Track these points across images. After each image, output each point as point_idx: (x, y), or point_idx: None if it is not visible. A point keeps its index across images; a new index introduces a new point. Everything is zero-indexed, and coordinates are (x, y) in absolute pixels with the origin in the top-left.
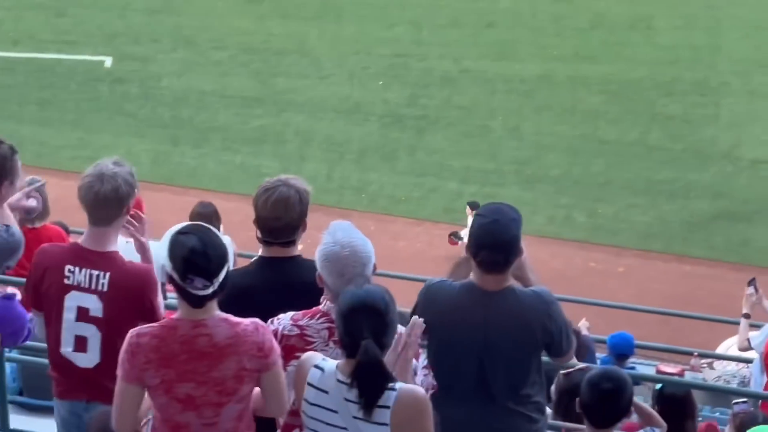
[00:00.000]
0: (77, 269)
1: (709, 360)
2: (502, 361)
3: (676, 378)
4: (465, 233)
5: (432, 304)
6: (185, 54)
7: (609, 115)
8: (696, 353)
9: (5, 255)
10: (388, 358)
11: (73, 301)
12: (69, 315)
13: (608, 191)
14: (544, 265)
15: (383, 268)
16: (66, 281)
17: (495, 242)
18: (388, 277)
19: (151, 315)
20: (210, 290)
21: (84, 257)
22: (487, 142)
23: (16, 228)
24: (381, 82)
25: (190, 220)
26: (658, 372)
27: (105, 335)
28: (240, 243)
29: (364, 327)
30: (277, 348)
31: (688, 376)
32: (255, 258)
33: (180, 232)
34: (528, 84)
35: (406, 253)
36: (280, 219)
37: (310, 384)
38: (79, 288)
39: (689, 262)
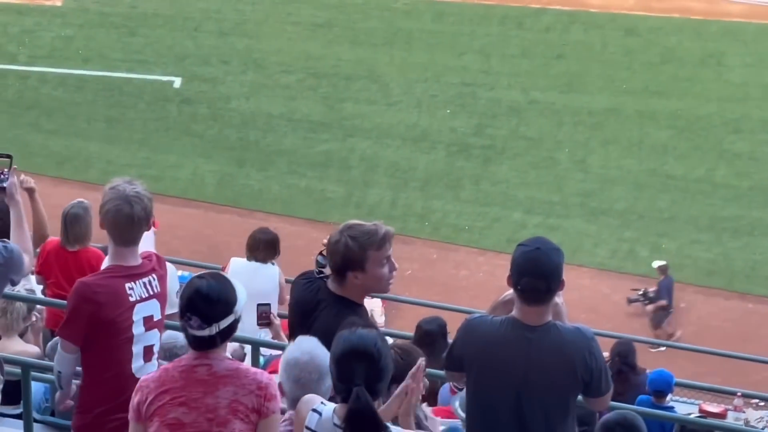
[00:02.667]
0: (134, 284)
1: (755, 400)
2: (541, 398)
3: (695, 419)
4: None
5: (472, 339)
6: (254, 77)
7: (676, 150)
8: (739, 393)
9: (8, 272)
10: (391, 404)
11: (140, 312)
12: (138, 329)
13: (672, 226)
14: (605, 299)
15: (443, 297)
16: (131, 299)
17: (537, 270)
18: (447, 310)
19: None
20: (206, 332)
21: (133, 273)
22: (553, 174)
23: (11, 243)
24: (448, 111)
25: (249, 243)
26: (701, 411)
27: (161, 335)
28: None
29: (356, 373)
30: (279, 400)
31: (731, 417)
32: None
33: (198, 275)
34: (596, 117)
35: (468, 282)
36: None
37: (308, 428)
38: (141, 300)
39: (751, 300)
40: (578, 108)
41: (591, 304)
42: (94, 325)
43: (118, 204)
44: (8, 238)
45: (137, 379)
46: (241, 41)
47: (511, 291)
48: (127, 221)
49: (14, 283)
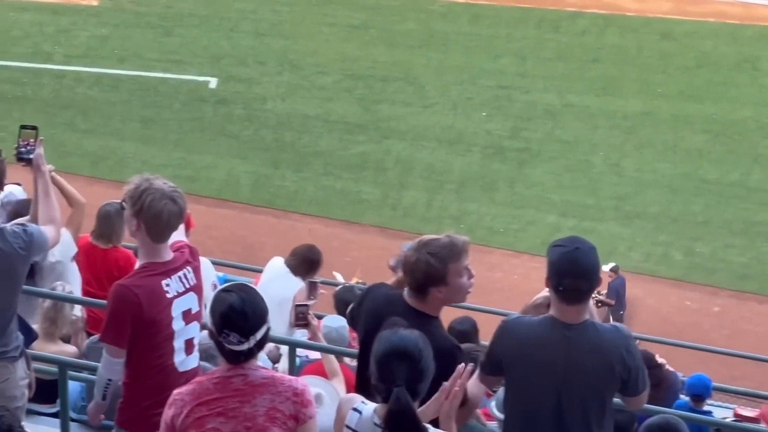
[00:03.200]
0: (170, 280)
1: None
2: (580, 396)
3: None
4: None
5: (510, 341)
6: (290, 78)
7: (711, 154)
8: None
9: (27, 261)
10: (429, 407)
11: (178, 308)
12: (178, 324)
13: (706, 230)
14: (639, 302)
15: (478, 299)
16: (168, 295)
17: (579, 269)
18: (481, 312)
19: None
20: (245, 346)
21: (169, 269)
22: (588, 177)
23: (31, 225)
24: (484, 113)
25: (294, 249)
26: (735, 415)
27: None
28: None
29: (396, 373)
30: (314, 406)
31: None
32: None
33: (223, 290)
34: (631, 120)
35: (502, 284)
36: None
37: (348, 426)
38: (178, 295)
39: None
40: (613, 111)
41: None
42: (136, 326)
43: (165, 202)
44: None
45: (181, 373)
46: (278, 42)
47: (542, 294)
48: (177, 217)
49: (37, 262)
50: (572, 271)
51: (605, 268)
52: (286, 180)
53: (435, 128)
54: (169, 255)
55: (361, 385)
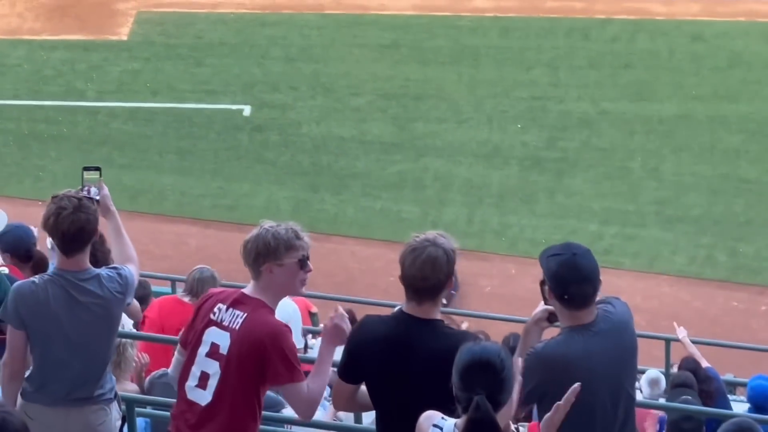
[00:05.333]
0: (225, 307)
1: None
2: (622, 380)
3: None
4: None
5: (549, 370)
6: (324, 101)
7: (749, 154)
8: None
9: (123, 304)
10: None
11: (210, 336)
12: (203, 349)
13: (749, 230)
14: (685, 306)
15: (525, 311)
16: (212, 316)
17: (582, 275)
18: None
19: (275, 371)
20: None
21: (236, 299)
22: (627, 183)
23: (123, 268)
24: (519, 125)
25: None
26: None
27: (222, 375)
28: (381, 288)
29: (477, 383)
30: None
31: None
32: (396, 309)
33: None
34: (667, 124)
35: None
36: (428, 279)
37: None
38: (219, 325)
39: None
40: (649, 116)
41: (671, 311)
42: (188, 328)
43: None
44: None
45: (188, 400)
46: (309, 66)
47: (539, 309)
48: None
49: (128, 305)
50: (575, 277)
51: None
52: (325, 203)
53: (471, 143)
54: (256, 294)
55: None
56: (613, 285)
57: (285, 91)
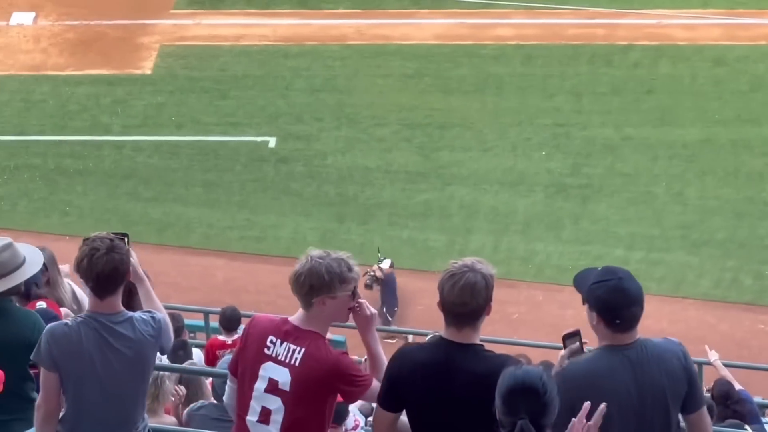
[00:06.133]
0: (279, 341)
1: None
2: (655, 411)
3: None
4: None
5: (578, 388)
6: (348, 131)
7: None
8: None
9: (156, 347)
10: None
11: (267, 371)
12: (260, 384)
13: None
14: (711, 329)
15: (551, 337)
16: (266, 351)
17: (632, 297)
18: (557, 349)
19: (352, 393)
20: None
21: (288, 332)
22: (652, 208)
23: (158, 313)
24: (544, 152)
25: None
26: None
27: (288, 410)
28: (409, 316)
29: (521, 407)
30: None
31: None
32: (434, 335)
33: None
34: (690, 149)
35: (575, 321)
36: (467, 305)
37: None
38: (275, 360)
39: None
40: (672, 141)
41: (698, 334)
42: (238, 356)
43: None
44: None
45: (247, 430)
46: (333, 97)
47: (563, 355)
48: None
49: (163, 352)
50: (626, 301)
51: (384, 264)
52: (352, 233)
53: (496, 171)
54: (306, 325)
55: None
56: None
57: (310, 122)
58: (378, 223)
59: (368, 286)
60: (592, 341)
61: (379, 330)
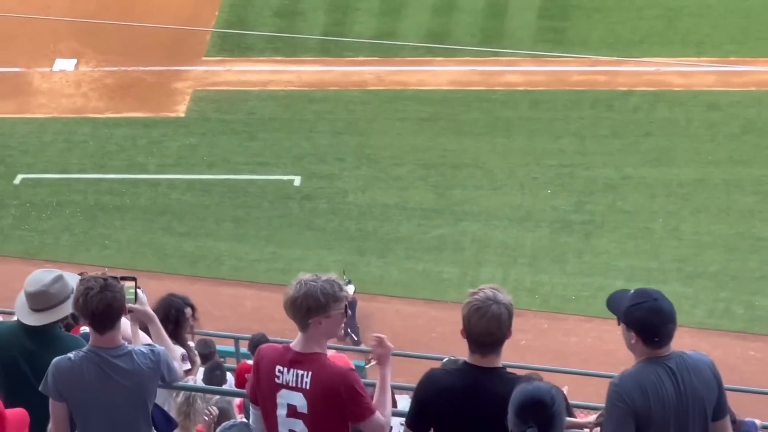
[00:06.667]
0: (286, 369)
1: None
2: (692, 420)
3: None
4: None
5: (632, 399)
6: (368, 171)
7: (763, 213)
8: None
9: (156, 378)
10: None
11: (284, 398)
12: (281, 411)
13: (764, 284)
14: None
15: (557, 362)
16: (276, 380)
17: (667, 316)
18: (560, 373)
19: (353, 411)
20: None
21: (292, 359)
22: (650, 243)
23: (157, 346)
24: (549, 191)
25: None
26: None
27: (311, 430)
28: (424, 343)
29: (530, 418)
30: None
31: None
32: (461, 361)
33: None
34: (685, 187)
35: (578, 348)
36: (493, 335)
37: None
38: (288, 387)
39: None
40: (669, 180)
41: None
42: (254, 387)
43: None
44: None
45: None
46: (354, 139)
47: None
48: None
49: (166, 381)
50: (662, 320)
51: (350, 289)
52: (371, 266)
53: (505, 208)
54: (306, 349)
55: None
56: None
57: (332, 162)
58: (395, 257)
59: None
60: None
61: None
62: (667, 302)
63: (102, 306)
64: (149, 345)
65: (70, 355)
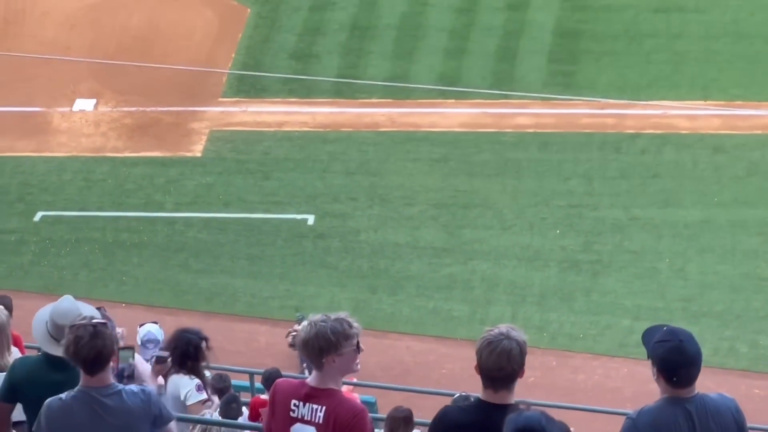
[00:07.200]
0: (301, 403)
1: None
2: None
3: None
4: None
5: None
6: (380, 210)
7: (767, 254)
8: None
9: (147, 417)
10: None
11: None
12: None
13: None
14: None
15: (565, 398)
16: (291, 414)
17: (689, 360)
18: (568, 409)
19: None
20: None
21: (308, 394)
22: (656, 283)
23: (148, 387)
24: (558, 231)
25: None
26: None
27: None
28: (434, 380)
29: None
30: None
31: None
32: (474, 398)
33: None
34: (691, 228)
35: (585, 385)
36: (503, 370)
37: None
38: (302, 420)
39: None
40: (675, 222)
41: None
42: (269, 419)
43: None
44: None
45: None
46: (367, 179)
47: None
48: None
49: (162, 419)
50: (684, 362)
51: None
52: (383, 303)
53: (514, 248)
54: (321, 384)
55: None
56: (644, 375)
57: (345, 202)
58: (407, 294)
59: (292, 346)
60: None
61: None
62: (693, 346)
63: (93, 354)
64: (141, 385)
65: (62, 395)
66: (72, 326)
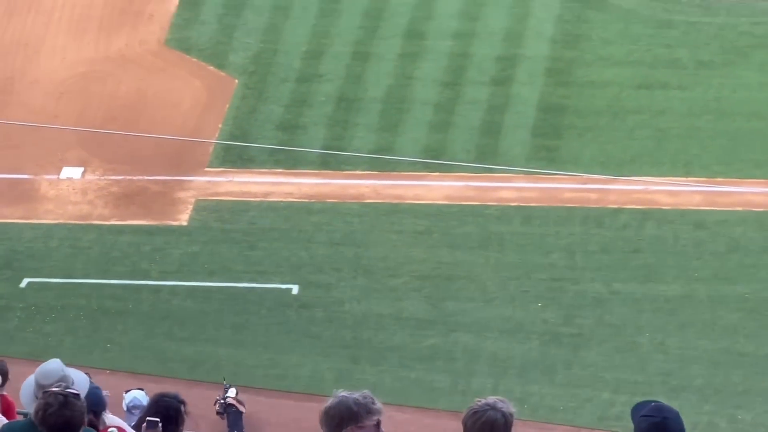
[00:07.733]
0: None
1: None
2: None
3: None
4: None
5: None
6: (364, 281)
7: (746, 330)
8: None
9: None
10: None
11: None
12: None
13: (747, 399)
14: None
15: None
16: None
17: None
18: None
19: None
20: None
21: None
22: (636, 356)
23: None
24: (539, 304)
25: None
26: None
27: None
28: None
29: None
30: None
31: None
32: None
33: None
34: (672, 303)
35: None
36: None
37: None
38: None
39: None
40: (655, 296)
41: None
42: None
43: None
44: None
45: None
46: (351, 250)
47: None
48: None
49: None
50: None
51: (231, 393)
52: (365, 374)
53: (496, 320)
54: None
55: None
56: None
57: (329, 273)
58: (389, 365)
59: (220, 414)
60: None
61: None
62: (677, 425)
63: (60, 422)
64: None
65: None
66: (45, 392)
